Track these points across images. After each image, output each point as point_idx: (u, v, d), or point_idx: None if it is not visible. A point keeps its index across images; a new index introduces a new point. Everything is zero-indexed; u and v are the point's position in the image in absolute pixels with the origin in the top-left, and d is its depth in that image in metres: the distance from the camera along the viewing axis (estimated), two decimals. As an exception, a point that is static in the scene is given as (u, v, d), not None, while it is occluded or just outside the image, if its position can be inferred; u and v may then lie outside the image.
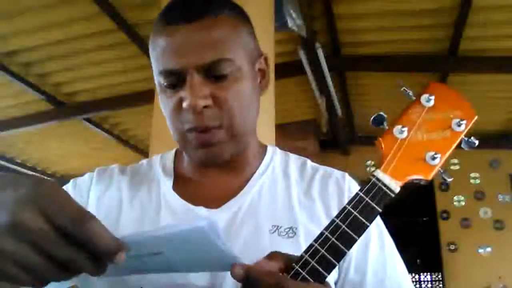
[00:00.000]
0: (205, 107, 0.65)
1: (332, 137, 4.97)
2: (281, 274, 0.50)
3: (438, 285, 6.81)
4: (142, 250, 0.47)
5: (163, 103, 0.69)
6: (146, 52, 3.36)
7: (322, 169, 0.79)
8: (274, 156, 0.80)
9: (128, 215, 0.73)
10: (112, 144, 5.15)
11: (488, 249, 4.75)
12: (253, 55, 0.71)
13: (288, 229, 0.68)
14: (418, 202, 5.93)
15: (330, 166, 0.81)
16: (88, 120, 4.51)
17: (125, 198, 0.75)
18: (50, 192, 0.43)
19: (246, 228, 0.68)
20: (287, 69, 3.52)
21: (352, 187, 0.76)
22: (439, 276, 5.25)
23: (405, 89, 0.59)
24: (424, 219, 6.59)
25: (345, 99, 4.33)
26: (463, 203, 5.00)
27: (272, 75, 2.19)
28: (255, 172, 0.76)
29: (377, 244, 0.72)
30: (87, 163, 5.37)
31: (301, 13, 2.75)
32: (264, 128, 2.02)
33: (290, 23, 2.58)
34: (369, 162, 5.04)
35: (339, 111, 4.26)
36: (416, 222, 6.82)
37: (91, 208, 0.75)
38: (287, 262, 0.52)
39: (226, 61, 0.65)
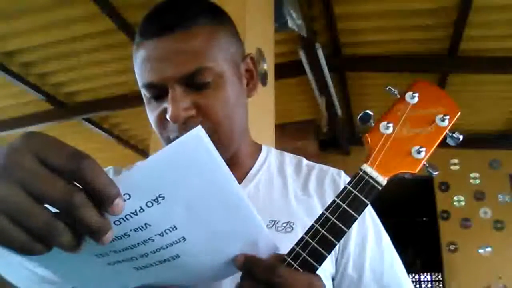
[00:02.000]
0: (188, 117, 0.65)
1: (332, 137, 4.96)
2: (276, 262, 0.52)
3: (438, 285, 6.82)
4: (140, 195, 0.42)
5: (149, 113, 0.70)
6: (146, 52, 3.36)
7: (318, 167, 0.80)
8: (269, 155, 0.81)
9: None
10: (112, 144, 5.15)
11: (488, 249, 4.75)
12: (237, 58, 0.71)
13: (285, 224, 0.69)
14: (418, 202, 5.94)
15: (330, 166, 0.81)
16: (88, 120, 4.51)
17: None
18: (43, 137, 0.40)
19: None
20: (287, 69, 3.52)
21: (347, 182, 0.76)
22: (439, 276, 5.26)
23: (390, 88, 0.60)
24: (424, 219, 6.60)
25: (345, 99, 4.33)
26: (463, 203, 5.00)
27: (272, 75, 2.19)
28: (249, 170, 0.77)
29: (374, 241, 0.73)
30: (87, 163, 5.37)
31: (301, 13, 2.75)
32: (264, 128, 2.02)
33: (290, 23, 2.58)
34: (369, 162, 5.04)
35: (339, 111, 4.26)
36: (416, 222, 6.83)
37: None
38: (280, 255, 0.53)
39: (205, 70, 0.65)
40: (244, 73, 0.74)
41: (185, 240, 0.48)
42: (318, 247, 0.52)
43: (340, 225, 0.53)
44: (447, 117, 0.58)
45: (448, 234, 4.97)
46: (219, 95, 0.66)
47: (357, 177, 0.55)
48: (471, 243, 4.81)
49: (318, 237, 0.53)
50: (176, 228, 0.47)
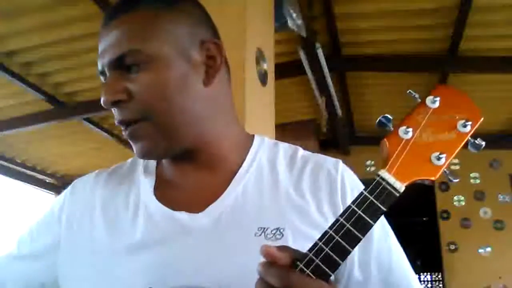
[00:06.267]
0: (119, 101, 0.65)
1: (332, 137, 4.96)
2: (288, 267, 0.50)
3: (438, 285, 6.81)
4: None
5: None
6: (146, 52, 3.35)
7: (314, 159, 0.75)
8: (261, 147, 0.77)
9: (100, 222, 0.71)
10: (112, 144, 5.14)
11: (488, 249, 4.75)
12: (186, 43, 0.69)
13: (275, 230, 0.65)
14: (418, 202, 5.93)
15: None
16: (88, 120, 4.51)
17: (98, 204, 0.73)
18: None
19: (230, 232, 0.65)
20: (287, 69, 3.52)
21: (346, 177, 0.72)
22: (439, 276, 5.25)
23: (411, 92, 0.59)
24: (424, 219, 6.59)
25: (345, 99, 4.32)
26: (463, 203, 4.99)
27: (272, 75, 2.19)
28: (239, 167, 0.72)
29: (380, 238, 0.70)
30: (87, 163, 5.36)
31: (301, 13, 2.74)
32: (264, 128, 2.02)
33: (290, 23, 2.58)
34: (369, 162, 5.03)
35: (339, 111, 4.25)
36: (416, 222, 6.81)
37: (64, 231, 0.74)
38: (295, 258, 0.52)
39: (132, 52, 0.65)
40: (205, 59, 0.71)
41: None
42: (332, 254, 0.51)
43: (355, 231, 0.52)
44: (469, 123, 0.56)
45: (448, 234, 4.96)
46: (153, 78, 0.65)
47: (374, 183, 0.54)
48: (471, 243, 4.80)
49: (332, 243, 0.51)
50: None
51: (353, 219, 0.52)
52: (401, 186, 0.54)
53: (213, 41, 0.72)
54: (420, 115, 0.57)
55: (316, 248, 0.51)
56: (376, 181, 0.54)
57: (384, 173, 0.54)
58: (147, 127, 0.66)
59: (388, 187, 0.53)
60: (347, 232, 0.51)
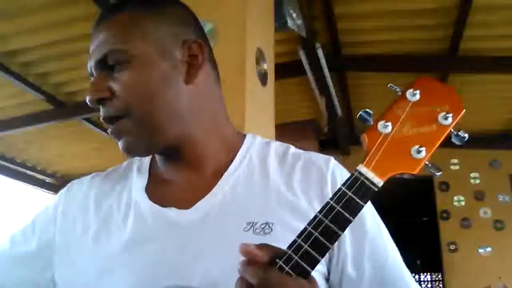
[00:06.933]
0: (103, 99, 0.68)
1: (332, 137, 4.96)
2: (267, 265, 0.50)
3: (438, 285, 6.81)
4: None
5: None
6: (146, 52, 3.36)
7: (304, 156, 0.76)
8: (252, 146, 0.77)
9: (94, 221, 0.72)
10: (112, 144, 5.10)
11: (488, 249, 4.75)
12: (167, 43, 0.71)
13: (264, 225, 0.65)
14: (418, 202, 5.94)
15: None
16: (88, 120, 4.51)
17: (92, 204, 0.75)
18: None
19: (219, 227, 0.66)
20: (287, 69, 3.52)
21: (337, 173, 0.72)
22: (439, 276, 5.25)
23: (392, 85, 0.58)
24: (424, 219, 6.59)
25: (345, 99, 4.32)
26: (463, 203, 4.99)
27: (272, 75, 2.19)
28: (229, 165, 0.73)
29: (373, 234, 0.69)
30: (87, 163, 5.36)
31: (301, 13, 2.75)
32: (264, 128, 2.02)
33: (290, 23, 2.58)
34: (369, 162, 5.03)
35: (339, 111, 4.25)
36: (416, 222, 6.82)
37: (59, 229, 0.75)
38: (274, 255, 0.51)
39: (114, 52, 0.68)
40: (187, 58, 0.72)
41: None
42: (310, 251, 0.50)
43: (334, 227, 0.51)
44: (450, 114, 0.55)
45: (448, 234, 4.96)
46: (134, 77, 0.68)
47: (352, 178, 0.53)
48: (471, 243, 4.80)
49: (310, 240, 0.51)
50: None
51: (331, 215, 0.51)
52: (379, 181, 0.53)
53: (195, 40, 0.74)
54: (400, 108, 0.56)
55: (295, 245, 0.51)
56: (354, 176, 0.53)
57: (362, 168, 0.54)
58: (128, 123, 0.69)
59: (367, 182, 0.53)
60: (326, 228, 0.51)
